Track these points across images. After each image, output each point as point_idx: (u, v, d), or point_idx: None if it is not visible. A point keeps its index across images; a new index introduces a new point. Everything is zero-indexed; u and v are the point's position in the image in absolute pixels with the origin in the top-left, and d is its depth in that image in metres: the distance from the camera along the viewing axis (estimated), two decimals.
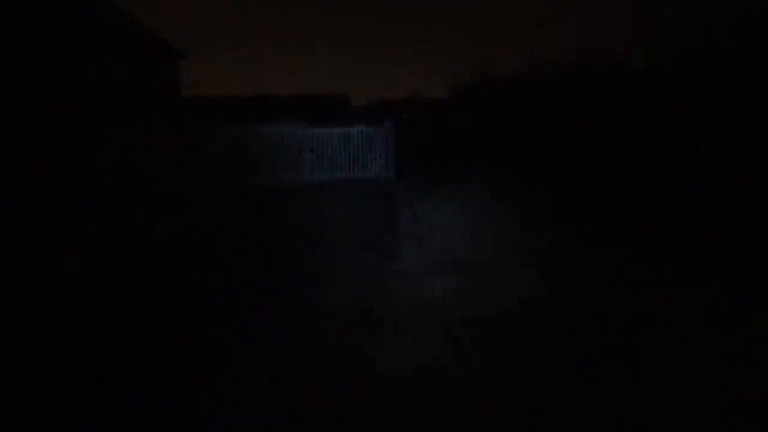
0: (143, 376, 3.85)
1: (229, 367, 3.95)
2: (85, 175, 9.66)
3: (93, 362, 4.09)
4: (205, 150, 13.41)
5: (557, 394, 3.47)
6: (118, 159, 11.39)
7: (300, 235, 8.22)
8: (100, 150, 10.54)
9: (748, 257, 6.40)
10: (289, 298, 5.39)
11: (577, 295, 5.26)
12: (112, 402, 3.54)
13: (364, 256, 6.86)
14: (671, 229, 7.97)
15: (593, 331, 4.39)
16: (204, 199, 12.13)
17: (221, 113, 16.84)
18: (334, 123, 15.22)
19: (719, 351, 4.03)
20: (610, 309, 4.88)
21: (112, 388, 3.70)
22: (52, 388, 3.72)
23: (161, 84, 14.19)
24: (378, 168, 14.20)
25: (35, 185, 8.34)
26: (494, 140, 22.90)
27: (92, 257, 7.05)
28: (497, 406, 3.27)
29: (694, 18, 11.91)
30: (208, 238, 8.22)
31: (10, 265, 6.67)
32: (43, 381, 3.82)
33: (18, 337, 4.61)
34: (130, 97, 11.98)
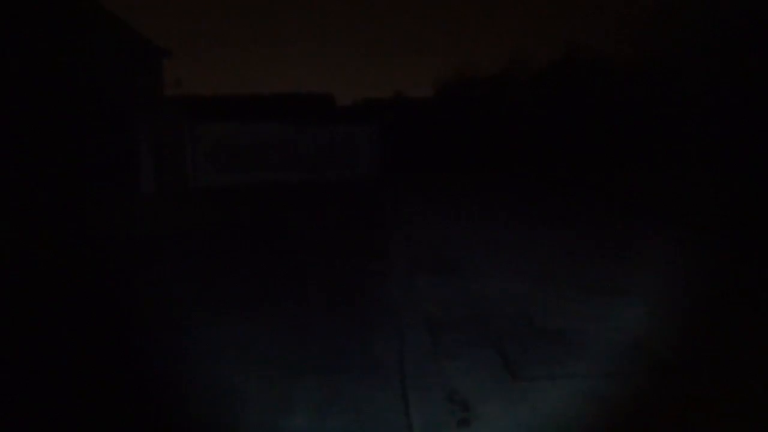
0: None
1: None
2: (59, 173, 9.48)
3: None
4: (189, 150, 13.27)
5: None
6: (96, 158, 11.22)
7: (286, 233, 8.14)
8: (77, 149, 10.38)
9: None
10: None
11: None
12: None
13: (351, 257, 6.81)
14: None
15: None
16: (186, 198, 11.98)
17: (204, 112, 16.65)
18: (319, 122, 15.15)
19: None
20: None
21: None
22: None
23: (144, 82, 14.01)
24: (363, 167, 14.16)
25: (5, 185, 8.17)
26: (478, 138, 22.97)
27: (63, 255, 6.91)
28: None
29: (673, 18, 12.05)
30: (191, 235, 8.11)
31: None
32: None
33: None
34: (111, 96, 11.79)
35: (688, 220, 7.79)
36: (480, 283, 5.38)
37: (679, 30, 11.94)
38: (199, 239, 8.05)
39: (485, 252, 6.78)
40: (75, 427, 2.84)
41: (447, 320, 4.35)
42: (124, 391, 3.20)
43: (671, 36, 12.06)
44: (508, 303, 4.72)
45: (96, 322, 4.65)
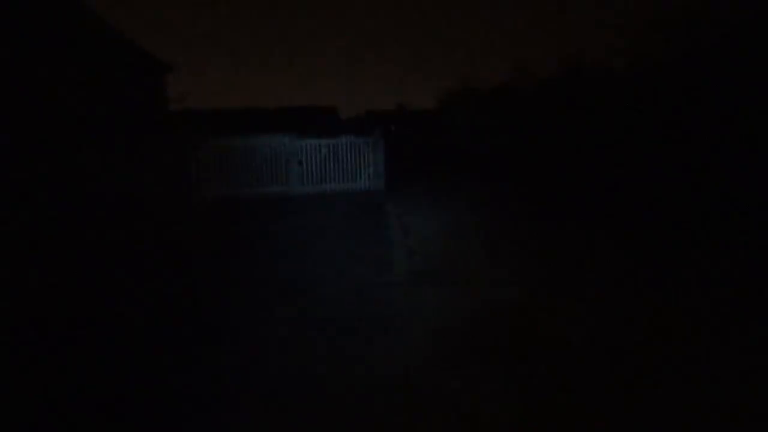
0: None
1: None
2: (63, 187, 9.52)
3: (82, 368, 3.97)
4: (192, 163, 13.31)
5: None
6: (99, 172, 11.26)
7: (289, 247, 8.13)
8: (79, 163, 10.43)
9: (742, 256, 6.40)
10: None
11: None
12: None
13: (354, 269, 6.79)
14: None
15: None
16: (191, 211, 12.00)
17: (209, 126, 16.76)
18: (323, 134, 15.17)
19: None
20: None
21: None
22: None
23: (147, 97, 14.10)
24: (367, 179, 14.16)
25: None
26: (481, 147, 23.01)
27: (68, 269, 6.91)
28: None
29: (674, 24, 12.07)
30: (193, 251, 8.10)
31: None
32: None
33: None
34: (113, 110, 11.87)
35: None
36: None
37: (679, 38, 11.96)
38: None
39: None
40: None
41: None
42: None
43: (672, 44, 12.08)
44: None
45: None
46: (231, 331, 4.86)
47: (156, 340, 4.73)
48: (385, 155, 14.38)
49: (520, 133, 20.21)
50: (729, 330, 4.51)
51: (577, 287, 5.75)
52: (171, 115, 16.17)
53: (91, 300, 5.91)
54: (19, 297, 6.11)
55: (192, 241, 8.99)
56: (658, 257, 6.79)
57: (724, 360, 3.99)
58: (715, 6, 10.94)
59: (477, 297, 5.55)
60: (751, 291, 5.43)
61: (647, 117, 12.33)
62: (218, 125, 19.30)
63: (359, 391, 3.67)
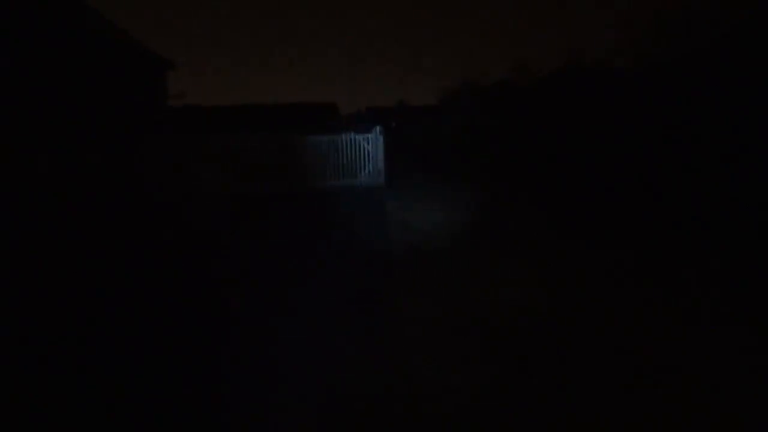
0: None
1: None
2: (67, 183, 9.53)
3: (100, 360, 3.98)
4: (193, 159, 13.30)
5: None
6: (100, 168, 11.27)
7: (291, 243, 8.14)
8: (81, 160, 10.42)
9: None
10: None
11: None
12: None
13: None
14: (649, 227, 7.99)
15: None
16: (191, 208, 12.01)
17: (209, 123, 16.79)
18: (324, 131, 15.16)
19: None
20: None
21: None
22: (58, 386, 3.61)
23: (148, 94, 14.09)
24: (367, 175, 14.15)
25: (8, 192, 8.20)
26: (481, 144, 22.99)
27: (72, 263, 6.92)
28: None
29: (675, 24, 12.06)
30: (193, 249, 8.11)
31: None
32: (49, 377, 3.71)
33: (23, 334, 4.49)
34: (116, 106, 11.86)
35: None
36: None
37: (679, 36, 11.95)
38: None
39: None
40: None
41: None
42: None
43: (671, 42, 12.07)
44: None
45: None
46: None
47: (158, 337, 4.75)
48: (386, 151, 14.36)
49: (519, 130, 20.21)
50: (729, 330, 4.53)
51: (574, 285, 5.76)
52: (172, 111, 16.16)
53: (90, 299, 5.92)
54: (23, 296, 6.12)
55: (192, 239, 8.99)
56: (658, 257, 6.80)
57: (724, 360, 4.01)
58: (715, 6, 10.94)
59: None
60: (751, 291, 5.45)
61: (647, 116, 12.33)
62: (219, 122, 19.29)
63: None
